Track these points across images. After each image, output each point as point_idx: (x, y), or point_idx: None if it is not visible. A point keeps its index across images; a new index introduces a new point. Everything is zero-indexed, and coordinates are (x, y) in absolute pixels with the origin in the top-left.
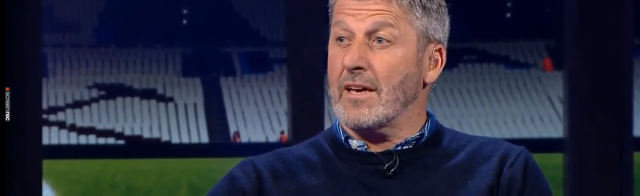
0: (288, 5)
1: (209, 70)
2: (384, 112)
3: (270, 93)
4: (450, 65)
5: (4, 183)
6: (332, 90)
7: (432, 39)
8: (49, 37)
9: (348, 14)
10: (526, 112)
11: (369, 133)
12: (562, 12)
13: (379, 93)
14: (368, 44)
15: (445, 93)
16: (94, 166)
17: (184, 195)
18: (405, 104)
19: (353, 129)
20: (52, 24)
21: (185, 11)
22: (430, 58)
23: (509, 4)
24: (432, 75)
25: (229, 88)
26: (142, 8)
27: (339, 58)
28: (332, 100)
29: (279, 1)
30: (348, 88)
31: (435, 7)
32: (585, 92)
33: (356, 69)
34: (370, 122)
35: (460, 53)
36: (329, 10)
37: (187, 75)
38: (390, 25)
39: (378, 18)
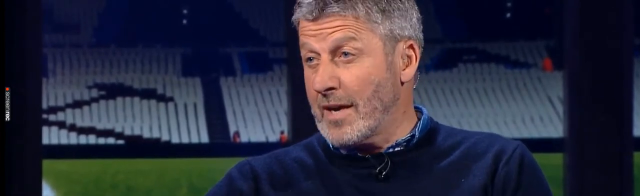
0: (288, 5)
1: (209, 70)
2: (365, 124)
3: (270, 93)
4: (450, 65)
5: (4, 183)
6: (314, 110)
7: (399, 38)
8: (49, 37)
9: (309, 35)
10: (526, 112)
11: (359, 145)
12: (562, 12)
13: (356, 108)
14: (334, 62)
15: (445, 93)
16: (94, 166)
17: (184, 195)
18: (386, 110)
19: (340, 147)
20: (52, 24)
21: (185, 11)
22: (402, 57)
23: (509, 4)
24: (407, 72)
25: (229, 88)
26: (142, 8)
27: (312, 79)
28: (316, 119)
29: (279, 1)
30: (326, 108)
31: (396, 5)
32: (585, 92)
33: (328, 90)
34: (355, 138)
35: (460, 53)
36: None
37: (187, 75)
38: (352, 38)
39: (337, 35)
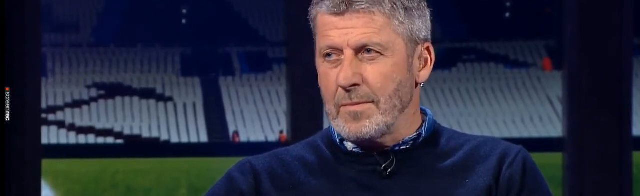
0: (287, 4)
1: (208, 69)
2: (384, 120)
3: (269, 92)
4: (449, 64)
5: (3, 183)
6: (329, 108)
7: (419, 40)
8: (48, 36)
9: (333, 31)
10: (525, 112)
11: (370, 142)
12: (562, 12)
13: (377, 104)
14: (358, 58)
15: (445, 93)
16: (93, 166)
17: (183, 194)
18: (402, 109)
19: (355, 141)
20: (52, 24)
21: (184, 11)
22: (419, 59)
23: (508, 4)
24: (423, 74)
25: (228, 87)
26: (142, 8)
27: (331, 75)
28: (330, 117)
29: (278, 1)
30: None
31: (415, 4)
32: (585, 91)
33: (351, 86)
34: (372, 132)
35: (459, 53)
36: (311, 25)
37: (187, 75)
38: (378, 36)
39: (365, 32)
